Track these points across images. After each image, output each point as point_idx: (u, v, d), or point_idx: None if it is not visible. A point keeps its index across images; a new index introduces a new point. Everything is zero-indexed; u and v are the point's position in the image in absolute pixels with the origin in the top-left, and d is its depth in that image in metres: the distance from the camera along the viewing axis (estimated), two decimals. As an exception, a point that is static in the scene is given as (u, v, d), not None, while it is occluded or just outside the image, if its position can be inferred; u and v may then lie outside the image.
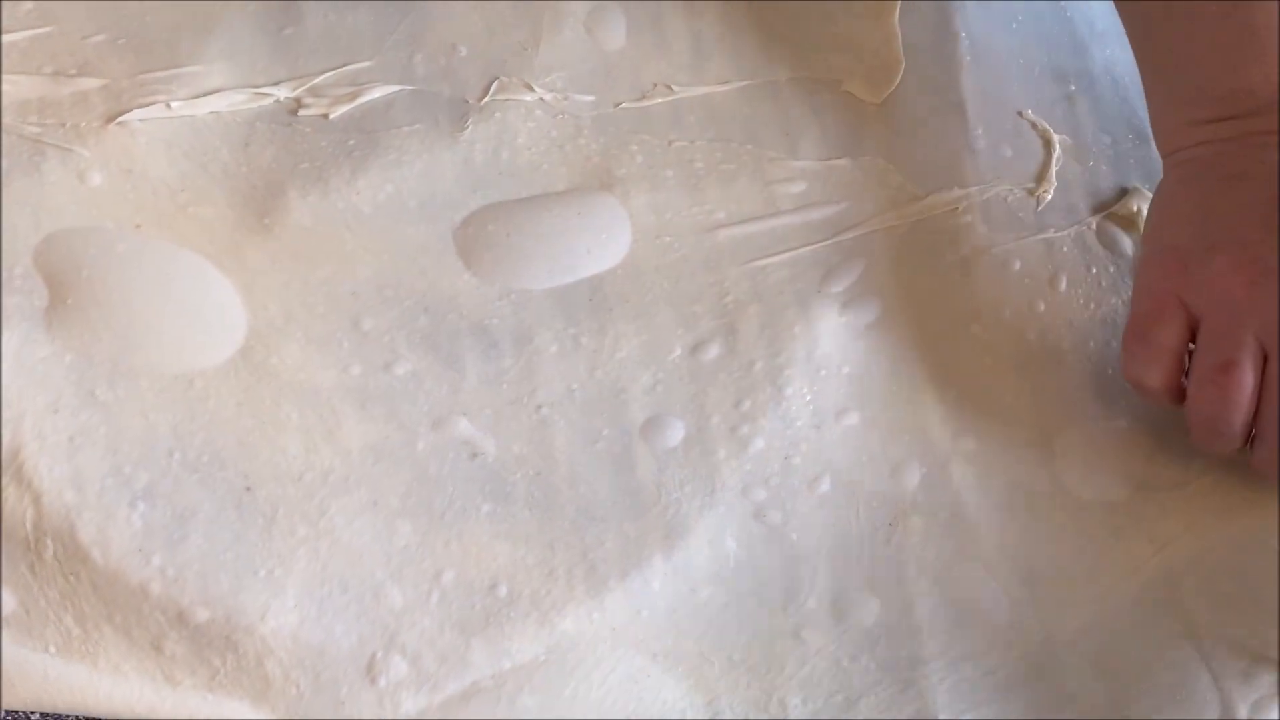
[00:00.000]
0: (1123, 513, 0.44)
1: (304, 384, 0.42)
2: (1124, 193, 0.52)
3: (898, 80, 0.52)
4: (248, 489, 0.40)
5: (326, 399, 0.42)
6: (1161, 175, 0.47)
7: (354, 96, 0.48)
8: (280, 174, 0.46)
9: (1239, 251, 0.42)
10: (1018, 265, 0.49)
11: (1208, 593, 0.42)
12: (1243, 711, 0.41)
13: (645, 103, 0.50)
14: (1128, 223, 0.51)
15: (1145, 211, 0.50)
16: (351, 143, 0.47)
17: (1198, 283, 0.42)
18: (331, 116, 0.48)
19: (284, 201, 0.46)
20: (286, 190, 0.46)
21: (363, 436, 0.42)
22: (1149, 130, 0.51)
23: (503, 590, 0.40)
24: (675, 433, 0.43)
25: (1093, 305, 0.48)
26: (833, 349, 0.45)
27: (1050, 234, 0.50)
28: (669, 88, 0.51)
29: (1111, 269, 0.49)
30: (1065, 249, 0.50)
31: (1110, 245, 0.50)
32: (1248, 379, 0.41)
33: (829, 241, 0.48)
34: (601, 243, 0.46)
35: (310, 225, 0.45)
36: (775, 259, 0.47)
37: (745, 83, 0.51)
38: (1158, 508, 0.44)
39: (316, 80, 0.48)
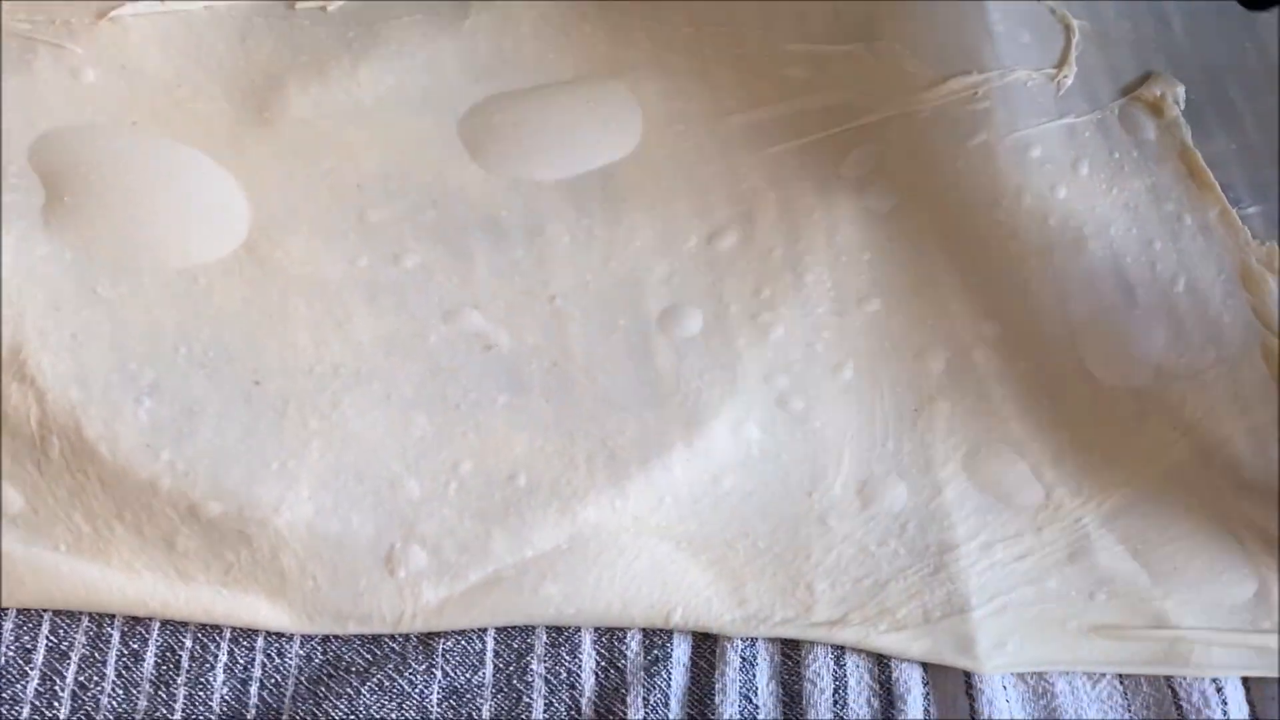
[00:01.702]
0: (1145, 398, 0.43)
1: (311, 277, 0.41)
2: (1146, 76, 0.50)
3: (911, -36, 0.50)
4: (256, 383, 0.39)
5: (335, 291, 0.41)
6: None
7: (351, -12, 0.47)
8: (279, 67, 0.45)
9: None
10: (1038, 151, 0.47)
11: (1232, 477, 0.42)
12: (1277, 587, 0.40)
13: (652, -12, 0.49)
14: (1152, 107, 0.49)
15: (1167, 96, 0.49)
16: (351, 34, 0.46)
17: None
18: (330, 8, 0.46)
19: (283, 95, 0.44)
20: (286, 83, 0.44)
21: (373, 329, 0.41)
22: (1170, 15, 0.50)
23: (522, 480, 0.39)
24: (693, 322, 0.42)
25: (1115, 190, 0.47)
26: (853, 234, 0.44)
27: (1071, 119, 0.48)
28: (676, -26, 0.49)
29: (1135, 153, 0.48)
30: (1087, 134, 0.48)
31: (1133, 130, 0.49)
32: None
33: (845, 128, 0.47)
34: (612, 132, 0.45)
35: (311, 118, 0.44)
36: (791, 145, 0.46)
37: (755, -32, 0.50)
38: (1177, 395, 0.43)
39: (313, -28, 0.47)
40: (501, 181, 0.44)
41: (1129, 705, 0.39)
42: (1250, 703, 0.39)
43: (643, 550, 0.39)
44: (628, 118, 0.45)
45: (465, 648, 0.38)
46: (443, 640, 0.38)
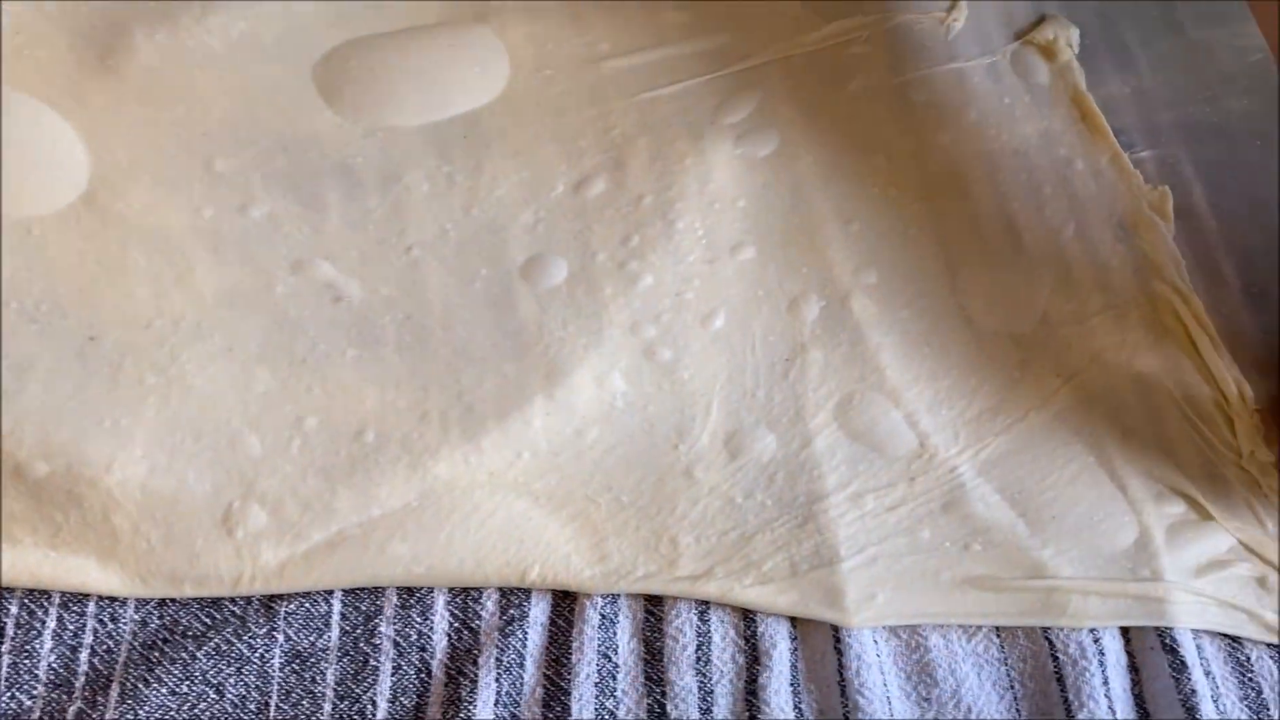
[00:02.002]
0: (1028, 345, 0.42)
1: (152, 228, 0.39)
2: (1040, 20, 0.49)
3: (793, -94, 0.49)
4: (91, 338, 0.37)
5: (177, 243, 0.39)
6: None
7: (202, -70, 0.45)
8: (124, 13, 0.43)
9: None
10: (924, 95, 0.46)
11: (1115, 424, 0.41)
12: (1159, 534, 0.39)
13: (523, -68, 0.47)
14: (1044, 51, 0.48)
15: (1060, 39, 0.48)
16: (201, -22, 0.44)
17: None
18: (180, -49, 0.44)
19: (129, 42, 0.42)
20: (132, 30, 0.42)
21: (216, 281, 0.39)
22: None
23: (370, 436, 0.37)
24: (558, 271, 0.41)
25: (1004, 136, 0.46)
26: (727, 181, 0.43)
27: (960, 63, 0.47)
28: (549, -84, 0.47)
29: (1026, 98, 0.47)
30: (976, 79, 0.47)
31: (1026, 74, 0.48)
32: None
33: (722, 72, 0.45)
34: (476, 76, 0.43)
35: (158, 65, 0.42)
36: (665, 91, 0.44)
37: (631, -90, 0.48)
38: (1061, 341, 0.42)
39: (162, -86, 0.45)
40: (357, 128, 0.42)
41: (1005, 658, 0.38)
42: (1130, 653, 0.38)
43: (498, 507, 0.37)
44: (493, 62, 0.44)
45: (310, 610, 0.36)
46: (286, 603, 0.36)
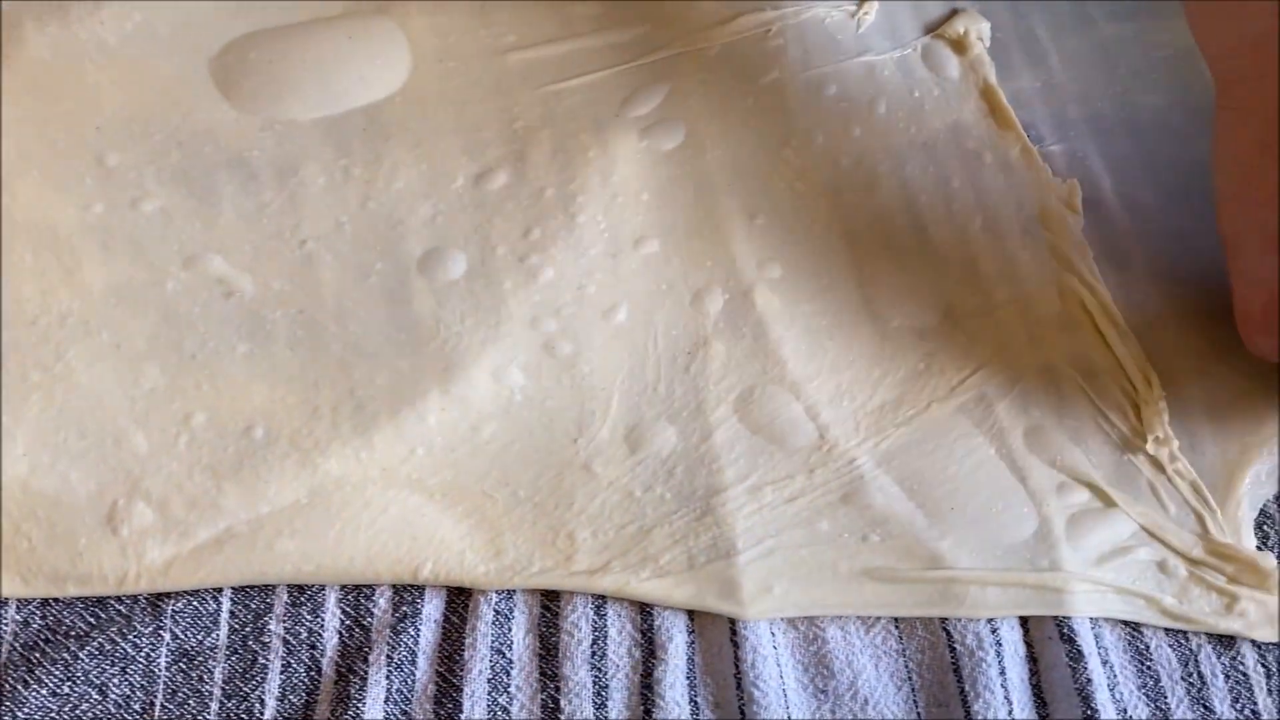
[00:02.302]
0: (932, 338, 0.42)
1: (39, 224, 0.39)
2: (952, 14, 0.49)
3: (704, -102, 0.49)
4: (-28, 336, 0.37)
5: (65, 239, 0.39)
6: (1216, 100, 0.41)
7: (98, -79, 0.44)
8: (15, 6, 0.42)
9: None
10: (834, 89, 0.46)
11: (1020, 415, 0.41)
12: (1059, 524, 0.39)
13: (429, -77, 0.47)
14: (955, 44, 0.48)
15: (972, 33, 0.48)
16: (95, -30, 0.43)
17: None
18: (74, -58, 0.44)
19: (19, 34, 0.42)
20: (23, 21, 0.42)
21: (105, 277, 0.38)
22: None
23: (259, 432, 0.37)
24: (457, 265, 0.40)
25: (913, 129, 0.46)
26: (631, 174, 0.43)
27: (871, 57, 0.47)
28: (455, -93, 0.47)
29: (936, 91, 0.47)
30: (887, 72, 0.47)
31: (936, 68, 0.48)
32: None
33: (630, 65, 0.45)
34: (376, 68, 0.43)
35: (49, 58, 0.41)
36: (571, 83, 0.44)
37: (540, -98, 0.48)
38: (967, 334, 0.42)
39: (56, -97, 0.44)
40: (255, 121, 0.41)
41: (903, 649, 0.38)
42: (1028, 643, 0.38)
43: (391, 503, 0.37)
44: (394, 54, 0.43)
45: (198, 609, 0.36)
46: (173, 601, 0.36)
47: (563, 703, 0.36)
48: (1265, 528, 0.40)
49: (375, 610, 0.37)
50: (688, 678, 0.36)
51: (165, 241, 0.39)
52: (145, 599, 0.36)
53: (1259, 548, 0.40)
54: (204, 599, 0.36)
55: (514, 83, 0.44)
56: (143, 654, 0.35)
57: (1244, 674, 0.38)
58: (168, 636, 0.35)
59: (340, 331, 0.39)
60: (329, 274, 0.39)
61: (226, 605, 0.36)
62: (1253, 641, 0.38)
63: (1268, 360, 0.42)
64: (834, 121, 0.45)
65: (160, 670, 0.35)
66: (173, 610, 0.36)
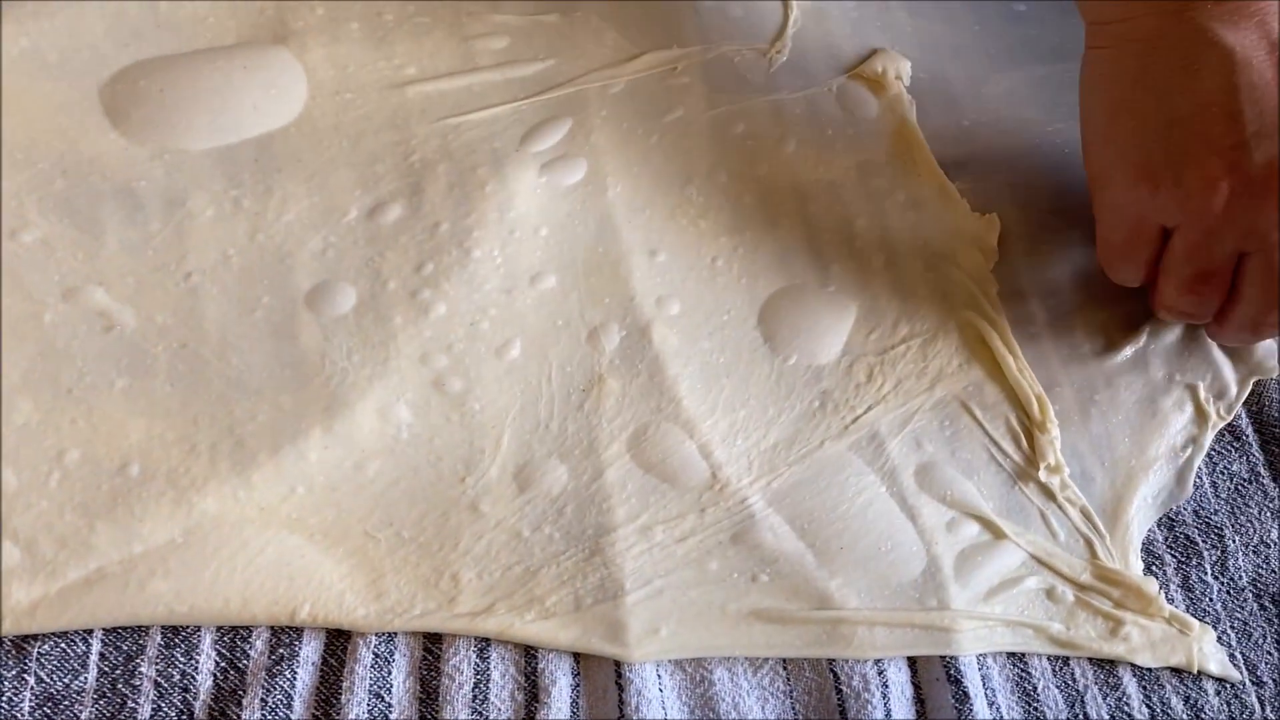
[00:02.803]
0: (828, 376, 0.42)
1: (-90, 252, 0.38)
2: (872, 53, 0.49)
3: (611, -66, 0.49)
4: None
5: (-63, 269, 0.38)
6: (1086, 44, 0.43)
7: (-12, -56, 0.43)
8: (-104, 28, 0.41)
9: (1211, 164, 0.38)
10: (741, 128, 0.46)
11: (913, 452, 0.41)
12: (948, 562, 0.39)
13: (331, -46, 0.46)
14: (873, 84, 0.48)
15: (890, 72, 0.48)
16: (-17, -7, 0.42)
17: (1173, 202, 0.39)
18: (-38, -35, 0.43)
19: (-100, 57, 0.41)
20: (-97, 46, 0.41)
21: (-21, 309, 0.37)
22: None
23: (135, 469, 0.36)
24: (346, 299, 0.40)
25: (821, 168, 0.46)
26: (529, 209, 0.42)
27: (782, 95, 0.47)
28: (359, -62, 0.47)
29: (850, 131, 0.47)
30: (799, 111, 0.47)
31: (852, 107, 0.48)
32: (1225, 283, 0.40)
33: (533, 100, 0.45)
34: (271, 98, 0.42)
35: (-69, 84, 0.40)
36: (471, 117, 0.44)
37: (446, -65, 0.48)
38: (863, 371, 0.42)
39: (-56, -75, 0.43)
40: (144, 150, 0.41)
41: (790, 690, 0.38)
42: (915, 684, 0.38)
43: (269, 543, 0.36)
44: (290, 85, 0.43)
45: (65, 651, 0.35)
46: (39, 643, 0.35)
47: (442, 747, 0.35)
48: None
49: (251, 652, 0.36)
50: (571, 720, 0.36)
51: (45, 273, 0.38)
52: (9, 641, 0.35)
53: (1147, 571, 0.41)
54: (72, 641, 0.35)
55: (412, 115, 0.43)
56: (4, 699, 0.34)
57: (1129, 714, 0.38)
58: (32, 680, 0.34)
59: (223, 366, 0.38)
60: (214, 307, 0.39)
61: (96, 647, 0.35)
62: (1139, 681, 0.39)
63: (1127, 285, 0.43)
64: (740, 159, 0.46)
65: (24, 715, 0.34)
66: (38, 653, 0.35)
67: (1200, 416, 0.43)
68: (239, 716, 0.34)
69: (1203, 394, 0.43)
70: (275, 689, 0.35)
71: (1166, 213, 0.40)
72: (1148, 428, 0.43)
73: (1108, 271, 0.43)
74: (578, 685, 0.37)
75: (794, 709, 0.38)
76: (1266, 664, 0.39)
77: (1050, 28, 0.51)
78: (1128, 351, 0.44)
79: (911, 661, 0.39)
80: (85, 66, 0.42)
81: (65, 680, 0.35)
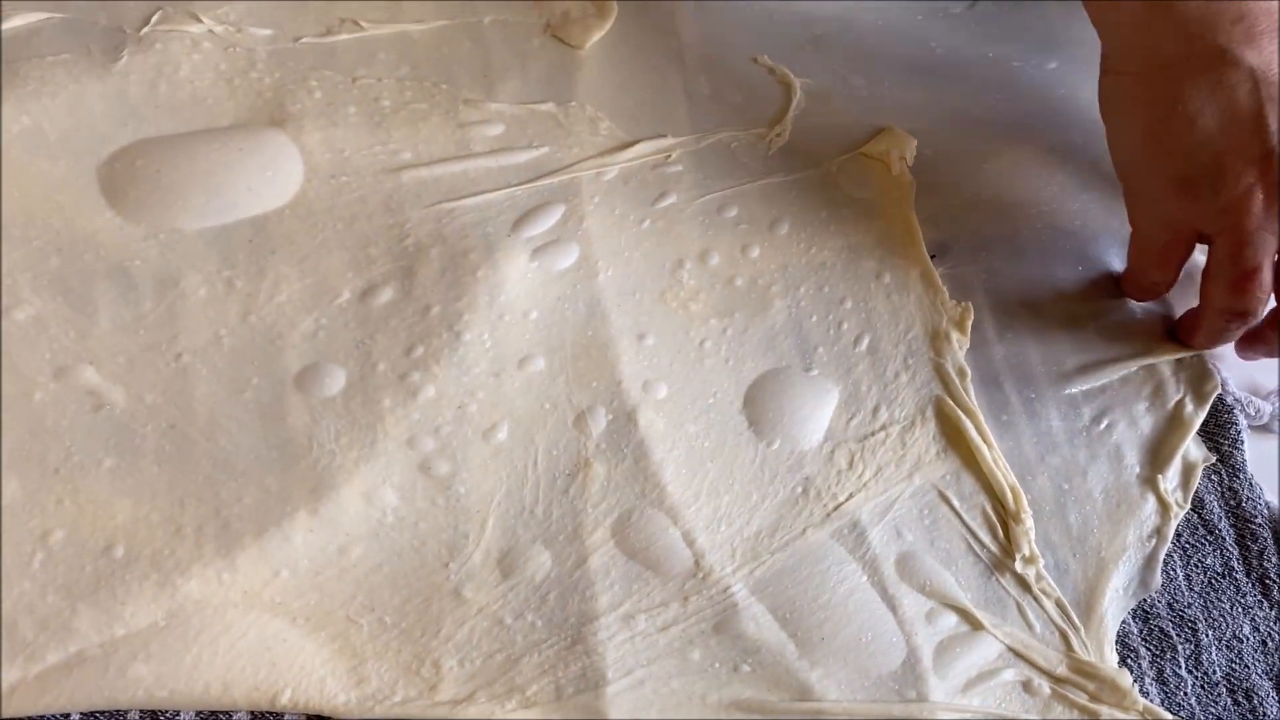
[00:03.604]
0: (811, 462, 0.43)
1: (-98, 329, 0.38)
2: (877, 132, 0.50)
3: (606, 28, 0.50)
4: None
5: (-72, 346, 0.38)
6: (1104, 69, 0.45)
7: (-7, 23, 0.44)
8: (-104, 102, 0.42)
9: (1245, 173, 0.42)
10: (734, 211, 0.47)
11: (893, 541, 0.41)
12: (927, 654, 0.40)
13: (330, 38, 0.47)
14: (878, 164, 0.49)
15: (894, 152, 0.49)
16: (-14, 71, 0.43)
17: (1212, 211, 0.43)
18: (-33, 44, 0.43)
19: (-100, 134, 0.41)
20: (-96, 122, 0.41)
21: (-32, 386, 0.37)
22: (910, 69, 0.52)
23: (120, 551, 0.36)
24: (335, 381, 0.40)
25: (814, 249, 0.47)
26: (520, 294, 0.43)
27: (779, 178, 0.48)
28: (358, 24, 0.48)
29: (845, 211, 0.48)
30: (793, 194, 0.48)
31: (850, 187, 0.48)
32: (1269, 277, 0.43)
33: (526, 185, 0.45)
34: (266, 180, 0.43)
35: (-70, 160, 0.41)
36: (464, 202, 0.45)
37: (443, 22, 0.49)
38: (845, 457, 0.43)
39: (-51, 5, 0.44)
40: (139, 229, 0.41)
41: (771, 781, 0.38)
42: (893, 776, 0.38)
43: (251, 627, 0.36)
44: (286, 166, 0.43)
45: (42, 736, 0.35)
46: (16, 729, 0.35)
47: (419, 837, 0.35)
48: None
49: (230, 738, 0.36)
50: (549, 812, 0.36)
51: (36, 350, 0.38)
52: (-14, 726, 0.35)
53: (1122, 664, 0.41)
54: (50, 725, 0.35)
55: (406, 200, 0.44)
56: (-22, 784, 0.34)
57: (1105, 810, 0.38)
58: (6, 765, 0.34)
59: (210, 448, 0.38)
60: (203, 388, 0.39)
61: (74, 732, 0.35)
62: (1114, 777, 0.39)
63: (1146, 300, 0.48)
64: (732, 243, 0.46)
65: (-4, 801, 0.34)
66: (15, 738, 0.35)
67: (1163, 508, 0.44)
68: (215, 804, 0.34)
69: (1163, 486, 0.44)
70: (253, 776, 0.35)
71: (1206, 220, 0.43)
72: (1115, 517, 0.44)
73: (1136, 280, 0.48)
74: (558, 775, 0.37)
75: (773, 801, 0.38)
76: (1240, 760, 0.40)
77: (1075, 89, 0.53)
78: (1098, 435, 0.45)
79: (889, 753, 0.39)
80: (84, 145, 0.42)
81: (40, 765, 0.34)
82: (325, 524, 0.38)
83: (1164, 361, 0.47)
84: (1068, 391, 0.46)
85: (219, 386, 0.39)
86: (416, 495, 0.39)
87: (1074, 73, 0.53)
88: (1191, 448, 0.45)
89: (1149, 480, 0.44)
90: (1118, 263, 0.49)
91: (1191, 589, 0.43)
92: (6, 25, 0.43)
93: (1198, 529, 0.44)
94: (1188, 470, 0.45)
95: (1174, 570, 0.43)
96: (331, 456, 0.39)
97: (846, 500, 0.42)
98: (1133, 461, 0.44)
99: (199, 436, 0.38)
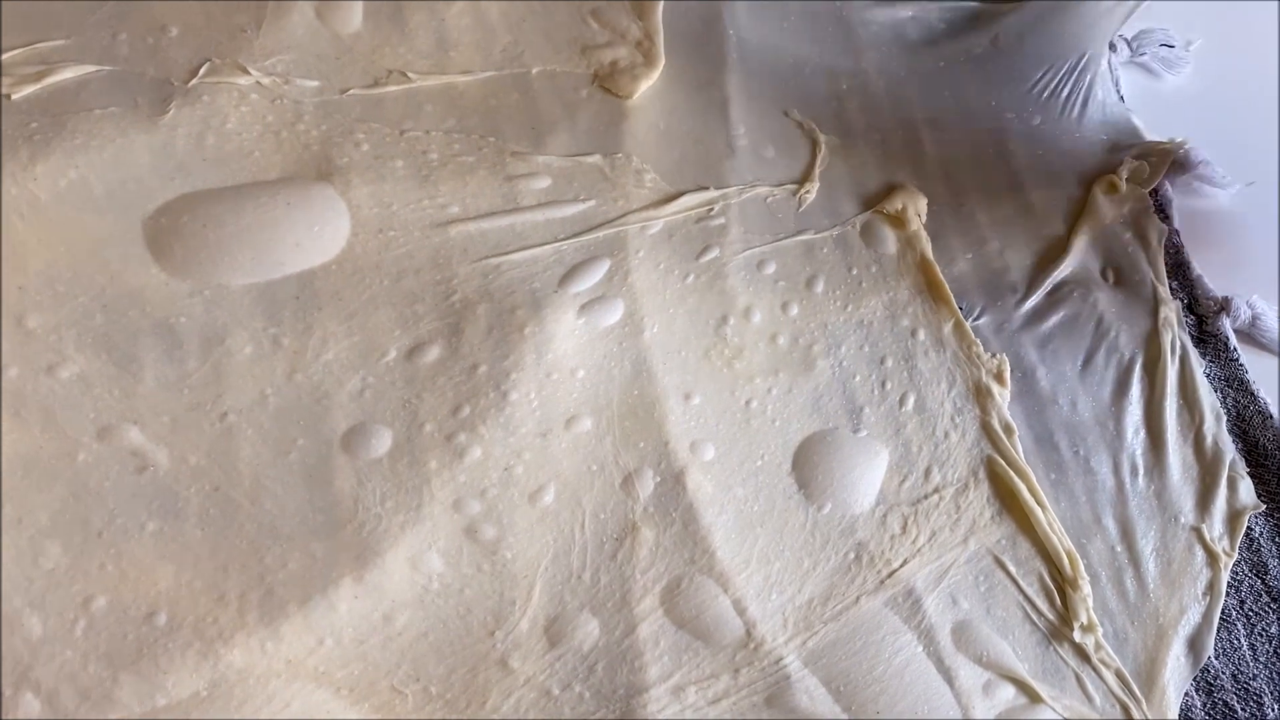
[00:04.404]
0: (863, 527, 0.42)
1: (-52, 388, 0.37)
2: (890, 189, 0.50)
3: (655, 77, 0.50)
4: None
5: (-27, 405, 0.37)
6: None
7: (42, 76, 0.44)
8: (-55, 157, 0.41)
9: None
10: (773, 268, 0.47)
11: (949, 609, 0.40)
12: (983, 729, 0.39)
13: (378, 90, 0.47)
14: (893, 220, 0.49)
15: (909, 209, 0.49)
16: (34, 125, 0.43)
17: None
18: (14, 97, 0.43)
19: (-52, 189, 0.41)
20: (-47, 176, 0.41)
21: (13, 447, 0.37)
22: (920, 126, 0.51)
23: (162, 618, 0.35)
24: (381, 442, 0.39)
25: (850, 307, 0.46)
26: (567, 351, 0.42)
27: (810, 235, 0.48)
28: (405, 75, 0.47)
29: (874, 269, 0.48)
30: (825, 250, 0.48)
31: (874, 243, 0.48)
32: None
33: (572, 239, 0.45)
34: (314, 235, 0.42)
35: (-23, 214, 0.40)
36: (512, 257, 0.44)
37: (491, 74, 0.48)
38: (899, 521, 0.42)
39: (1, 58, 0.44)
40: (184, 285, 0.41)
41: None
42: None
43: (295, 697, 0.35)
44: (333, 221, 0.43)
45: (80, 810, 0.34)
46: (53, 802, 0.34)
47: None
48: None
49: (271, 813, 0.35)
50: None
51: (80, 410, 0.38)
52: (23, 798, 0.34)
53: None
54: (88, 799, 0.34)
55: (454, 254, 0.43)
56: None
57: None
58: (44, 840, 0.33)
59: (255, 511, 0.37)
60: (248, 449, 0.38)
61: (112, 805, 0.34)
62: None
63: None
64: (772, 300, 0.46)
65: None
66: (52, 811, 0.34)
67: (1211, 558, 0.43)
68: None
69: (1208, 535, 0.43)
70: None
71: None
72: (1169, 577, 0.42)
73: None
74: None
75: None
76: (1312, 845, 0.38)
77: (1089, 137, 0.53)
78: (1147, 489, 0.44)
79: (948, 830, 0.38)
80: (130, 200, 0.42)
81: (78, 840, 0.34)
82: (370, 591, 0.37)
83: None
84: (1117, 436, 0.45)
85: (264, 447, 0.38)
86: (462, 561, 0.38)
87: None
88: (1241, 492, 0.44)
89: (1194, 530, 0.43)
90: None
91: (1256, 659, 0.42)
92: (55, 78, 0.43)
93: (1261, 595, 0.43)
94: (1234, 517, 0.44)
95: (1238, 640, 0.42)
96: (377, 521, 0.38)
97: (900, 566, 0.41)
98: (1175, 512, 0.43)
99: (243, 499, 0.37)
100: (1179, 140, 0.52)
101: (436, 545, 0.38)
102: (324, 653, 0.36)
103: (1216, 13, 0.58)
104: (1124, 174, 0.51)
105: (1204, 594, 0.42)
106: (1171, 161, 0.52)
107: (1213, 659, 0.41)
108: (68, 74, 0.44)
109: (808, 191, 0.49)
